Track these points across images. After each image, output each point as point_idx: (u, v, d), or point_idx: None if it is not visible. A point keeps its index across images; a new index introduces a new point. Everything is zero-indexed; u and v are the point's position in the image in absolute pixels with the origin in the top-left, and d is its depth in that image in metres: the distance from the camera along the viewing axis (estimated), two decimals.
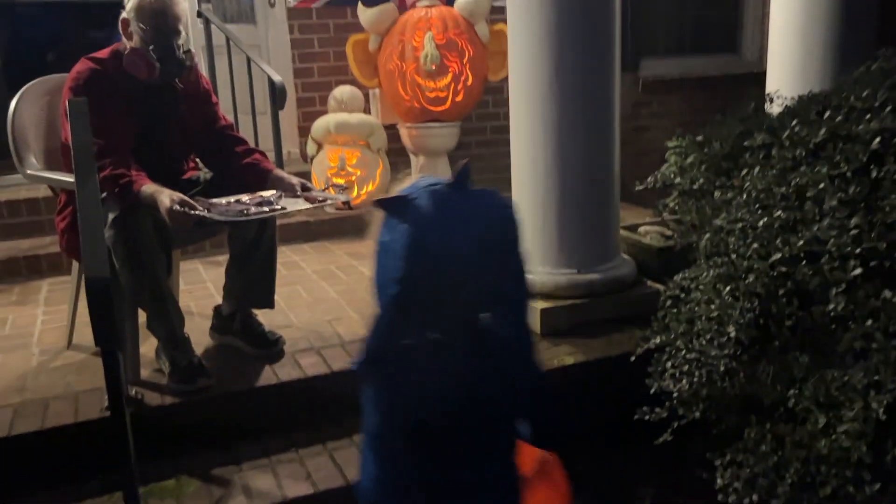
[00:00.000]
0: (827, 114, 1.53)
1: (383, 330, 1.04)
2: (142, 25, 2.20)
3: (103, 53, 2.30)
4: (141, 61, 2.22)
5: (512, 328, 1.06)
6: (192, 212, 2.03)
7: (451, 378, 1.03)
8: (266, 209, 2.13)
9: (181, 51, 2.26)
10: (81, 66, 2.26)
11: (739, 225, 1.53)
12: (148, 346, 2.37)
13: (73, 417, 2.09)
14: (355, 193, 3.92)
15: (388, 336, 1.04)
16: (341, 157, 3.89)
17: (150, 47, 2.21)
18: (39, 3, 5.13)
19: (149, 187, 2.10)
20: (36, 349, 2.56)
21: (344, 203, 2.27)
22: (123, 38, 2.28)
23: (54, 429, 2.05)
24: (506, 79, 2.71)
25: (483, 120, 4.75)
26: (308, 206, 2.23)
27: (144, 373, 2.31)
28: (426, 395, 1.05)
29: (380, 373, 1.07)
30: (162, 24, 2.21)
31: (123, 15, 2.25)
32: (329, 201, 2.33)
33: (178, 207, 2.02)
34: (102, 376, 2.25)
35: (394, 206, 1.01)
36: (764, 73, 3.27)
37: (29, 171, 2.43)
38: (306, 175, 3.97)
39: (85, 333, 2.59)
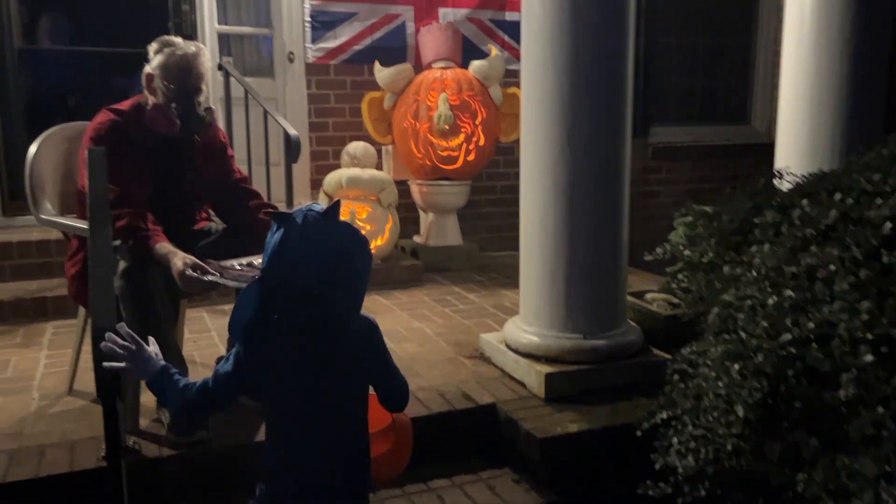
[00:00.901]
0: (838, 196, 1.55)
1: (244, 304, 1.36)
2: (166, 83, 2.25)
3: (125, 105, 2.35)
4: (162, 118, 2.26)
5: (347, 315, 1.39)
6: (205, 277, 2.03)
7: (293, 350, 1.37)
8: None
9: (202, 108, 2.30)
10: (103, 116, 2.30)
11: (749, 302, 1.53)
12: (148, 395, 2.35)
13: (68, 466, 2.06)
14: None
15: (247, 309, 1.35)
16: (352, 211, 3.92)
17: (173, 105, 2.25)
18: (62, 51, 5.26)
19: (163, 246, 2.11)
20: (36, 393, 2.55)
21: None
22: (146, 92, 2.33)
23: (49, 477, 2.02)
24: (517, 140, 2.75)
25: (493, 179, 4.80)
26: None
27: (143, 422, 2.29)
28: (277, 363, 1.38)
29: (242, 336, 1.39)
30: (185, 83, 2.26)
31: (148, 70, 2.30)
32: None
33: (190, 272, 2.02)
34: (101, 424, 2.24)
35: (277, 218, 1.35)
36: (772, 145, 3.31)
37: (43, 216, 2.45)
38: None
39: (86, 379, 2.58)
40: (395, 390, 1.53)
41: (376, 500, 2.15)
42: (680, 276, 1.91)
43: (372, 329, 1.45)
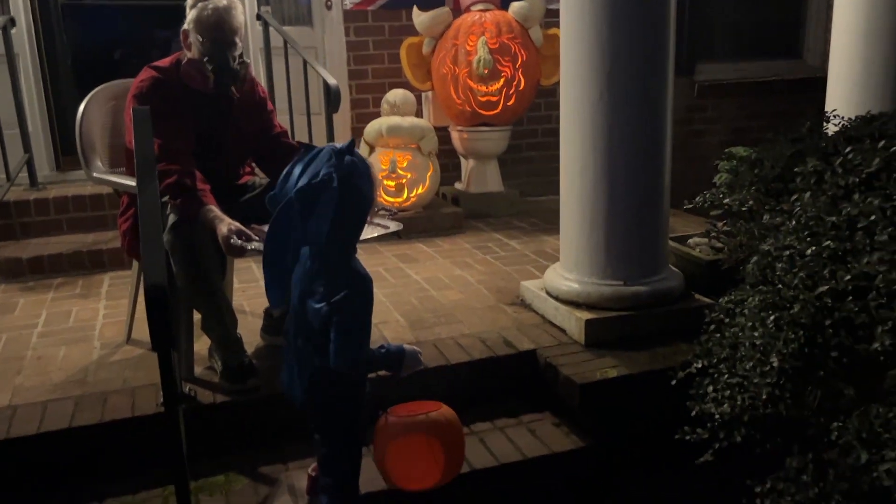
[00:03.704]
0: (882, 143, 1.50)
1: (282, 218, 1.58)
2: (199, 37, 2.28)
3: (165, 62, 2.39)
4: (196, 72, 2.29)
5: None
6: (249, 245, 2.08)
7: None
8: None
9: (235, 62, 2.32)
10: (144, 74, 2.35)
11: (787, 252, 1.51)
12: (201, 343, 2.46)
13: (130, 412, 2.18)
14: (405, 196, 3.97)
15: (286, 224, 1.58)
16: (392, 159, 3.94)
17: (206, 59, 2.28)
18: (106, 4, 5.31)
19: (210, 210, 2.16)
20: (97, 342, 2.68)
21: (394, 233, 2.31)
22: (183, 48, 2.36)
23: (112, 422, 2.15)
24: (558, 83, 2.72)
25: (534, 123, 4.75)
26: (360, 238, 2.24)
27: (198, 370, 2.41)
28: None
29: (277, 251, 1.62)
30: (218, 37, 2.28)
31: (184, 26, 2.33)
32: (380, 232, 2.29)
33: (234, 239, 2.07)
34: (158, 371, 2.37)
35: (307, 149, 1.65)
36: (826, 79, 3.19)
37: (95, 174, 2.54)
38: None
39: (143, 329, 2.66)
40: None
41: None
42: (720, 223, 1.89)
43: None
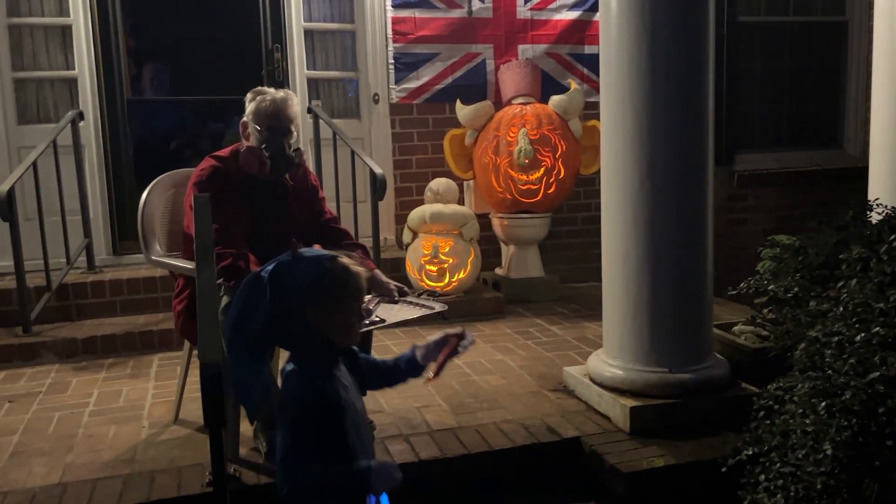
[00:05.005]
0: None
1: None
2: (257, 127, 2.43)
3: (225, 152, 2.53)
4: (254, 158, 2.43)
5: None
6: None
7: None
8: (366, 322, 2.22)
9: (291, 149, 2.46)
10: (205, 163, 2.49)
11: (836, 339, 1.51)
12: (245, 425, 2.49)
13: (176, 491, 2.20)
14: (447, 281, 4.03)
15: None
16: (435, 245, 4.02)
17: (263, 146, 2.42)
18: (165, 100, 5.64)
19: None
20: (146, 422, 2.73)
21: (438, 314, 2.34)
22: (242, 139, 2.50)
23: (158, 501, 2.17)
24: (597, 172, 2.78)
25: (574, 211, 4.82)
26: (406, 318, 2.30)
27: (242, 451, 2.43)
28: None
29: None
30: (275, 125, 2.43)
31: (243, 118, 2.49)
32: (425, 312, 2.34)
33: None
34: (204, 452, 2.40)
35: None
36: (866, 169, 3.20)
37: (154, 258, 2.65)
38: (401, 263, 4.13)
39: (190, 409, 2.75)
40: None
41: None
42: (765, 310, 1.89)
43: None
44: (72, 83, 4.18)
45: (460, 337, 1.73)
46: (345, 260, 1.53)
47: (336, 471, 1.46)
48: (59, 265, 3.81)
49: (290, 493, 1.43)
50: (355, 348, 1.62)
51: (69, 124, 3.95)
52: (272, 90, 2.50)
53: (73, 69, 4.16)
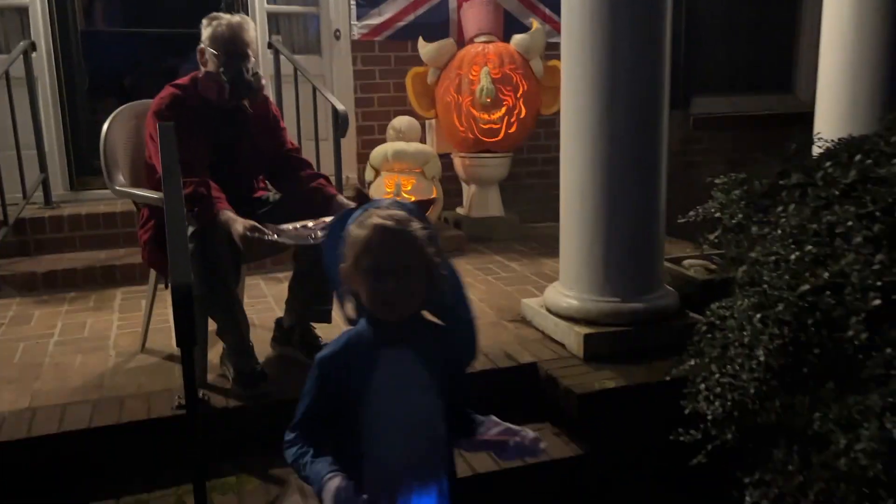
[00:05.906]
0: (858, 157, 1.63)
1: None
2: (214, 52, 2.43)
3: (184, 80, 2.53)
4: (213, 83, 2.43)
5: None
6: (264, 237, 2.21)
7: None
8: (266, 236, 2.25)
9: (249, 73, 2.46)
10: (165, 92, 2.49)
11: (773, 258, 1.62)
12: (214, 351, 2.55)
13: (146, 414, 2.27)
14: None
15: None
16: (397, 183, 4.07)
17: (221, 70, 2.42)
18: (121, 32, 5.49)
19: (225, 213, 2.29)
20: (112, 351, 2.77)
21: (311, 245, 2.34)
22: (201, 66, 2.50)
23: (129, 423, 2.23)
24: (558, 113, 2.85)
25: (534, 151, 4.89)
26: (287, 243, 2.32)
27: (210, 377, 2.49)
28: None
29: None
30: (231, 49, 2.43)
31: (200, 45, 2.48)
32: (303, 242, 2.30)
33: (250, 234, 2.20)
34: (172, 378, 2.46)
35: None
36: None
37: (117, 188, 2.65)
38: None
39: (157, 339, 2.80)
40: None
41: None
42: (713, 238, 2.01)
43: None
44: (23, 12, 4.05)
45: (521, 446, 1.43)
46: (379, 216, 1.33)
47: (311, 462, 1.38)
48: (16, 200, 3.76)
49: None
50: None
51: (21, 55, 3.84)
52: (227, 15, 2.50)
53: None
